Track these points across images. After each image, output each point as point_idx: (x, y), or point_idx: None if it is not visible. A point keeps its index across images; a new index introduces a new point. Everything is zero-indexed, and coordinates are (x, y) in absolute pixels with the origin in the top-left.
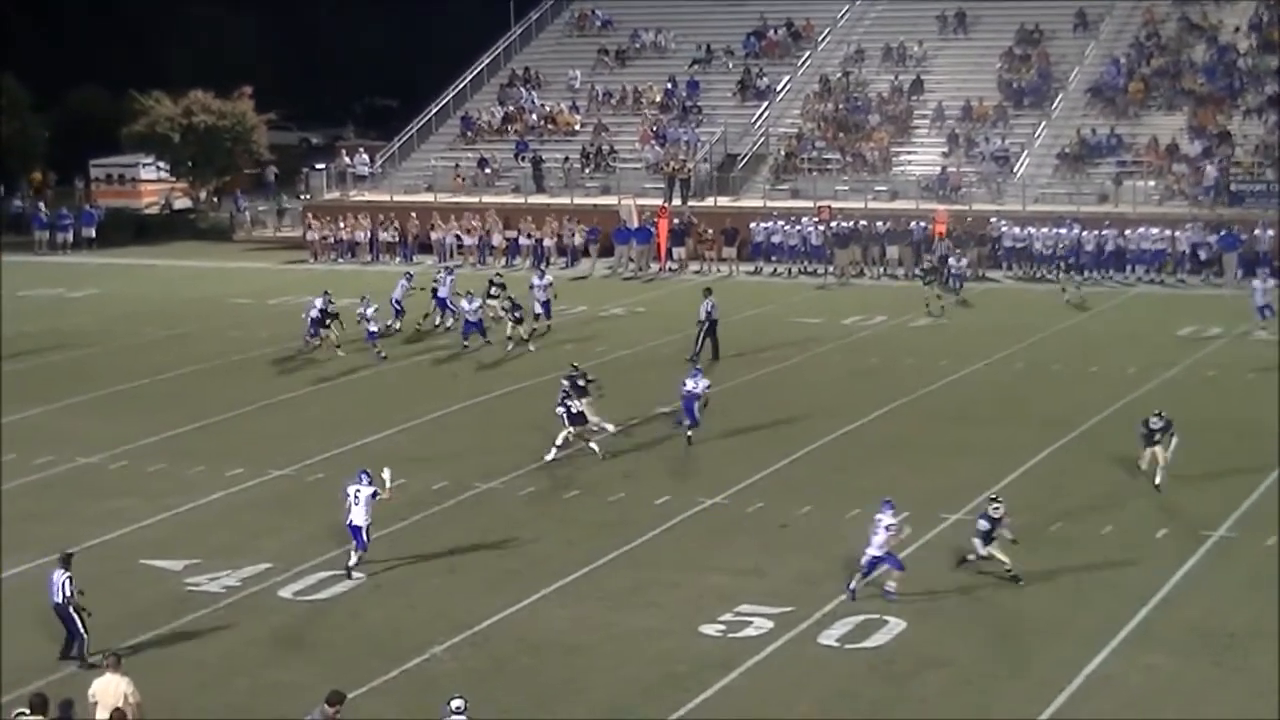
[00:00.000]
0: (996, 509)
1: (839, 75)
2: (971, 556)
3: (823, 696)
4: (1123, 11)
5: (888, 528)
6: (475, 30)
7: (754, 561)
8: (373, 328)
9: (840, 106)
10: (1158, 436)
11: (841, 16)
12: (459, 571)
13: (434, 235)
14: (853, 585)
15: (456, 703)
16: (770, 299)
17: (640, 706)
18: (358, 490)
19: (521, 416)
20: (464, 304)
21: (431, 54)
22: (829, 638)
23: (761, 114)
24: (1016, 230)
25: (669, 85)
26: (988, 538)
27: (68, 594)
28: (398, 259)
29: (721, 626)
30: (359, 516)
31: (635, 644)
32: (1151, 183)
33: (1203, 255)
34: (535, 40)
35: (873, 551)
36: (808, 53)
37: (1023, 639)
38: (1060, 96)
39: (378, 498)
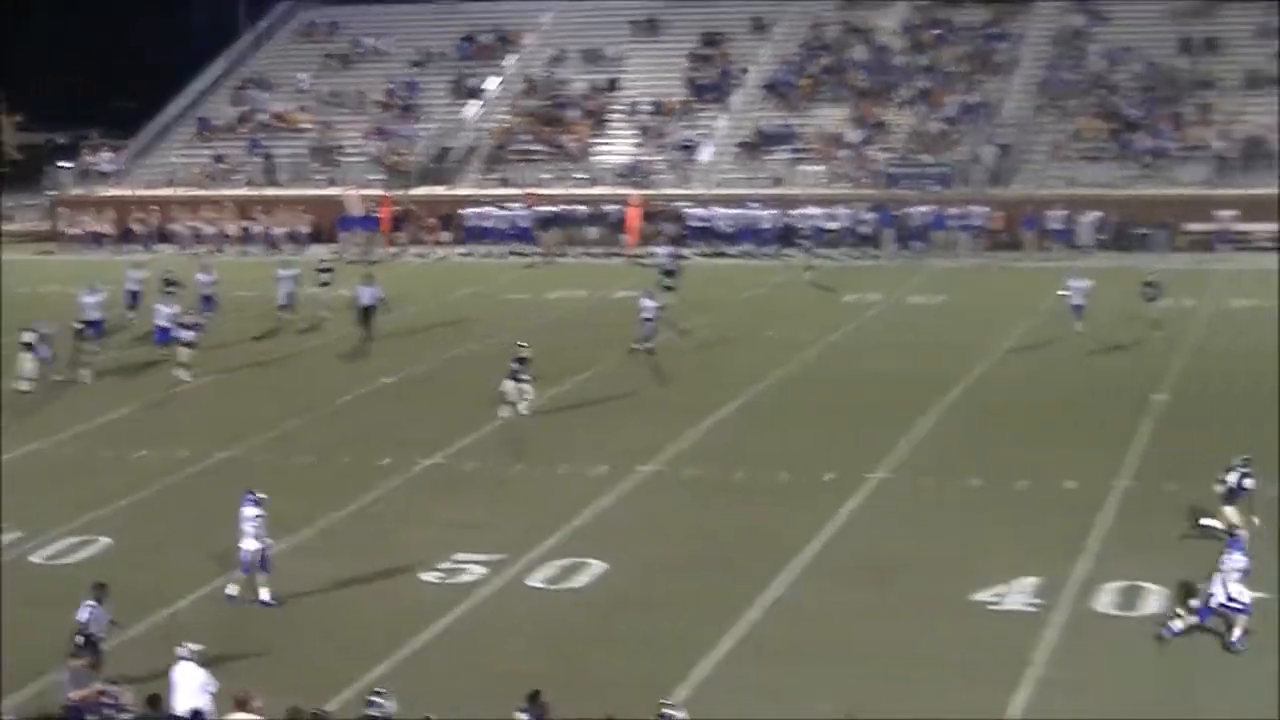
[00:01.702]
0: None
1: (543, 75)
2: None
3: (531, 633)
4: (793, 16)
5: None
6: (210, 38)
7: (471, 516)
8: (95, 315)
9: (544, 103)
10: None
11: (544, 22)
12: (198, 534)
13: (173, 226)
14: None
15: (182, 651)
16: (483, 279)
17: (363, 646)
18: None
19: (259, 388)
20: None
21: (169, 60)
22: (536, 580)
23: (474, 111)
24: (701, 211)
25: (389, 86)
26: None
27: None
28: (139, 249)
29: (440, 574)
30: (246, 542)
31: (359, 594)
32: (820, 168)
33: (863, 231)
34: (266, 46)
35: (1217, 593)
36: (515, 55)
37: (703, 575)
38: (739, 92)
39: (258, 520)
